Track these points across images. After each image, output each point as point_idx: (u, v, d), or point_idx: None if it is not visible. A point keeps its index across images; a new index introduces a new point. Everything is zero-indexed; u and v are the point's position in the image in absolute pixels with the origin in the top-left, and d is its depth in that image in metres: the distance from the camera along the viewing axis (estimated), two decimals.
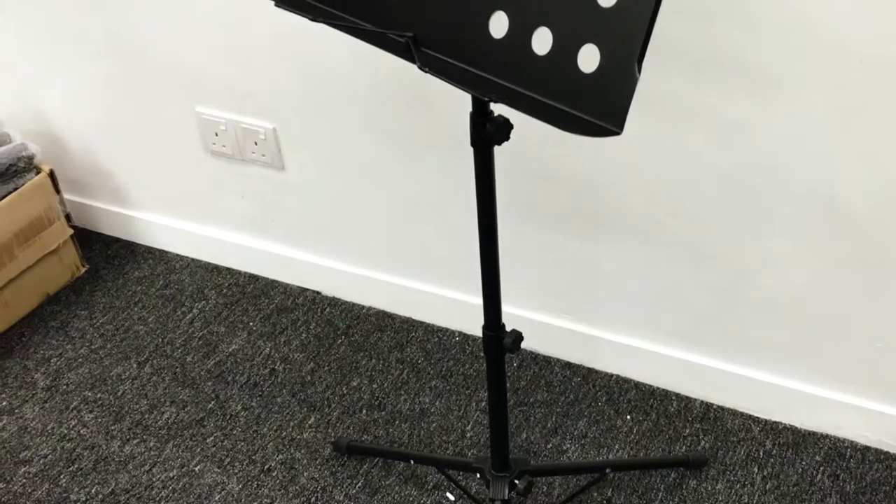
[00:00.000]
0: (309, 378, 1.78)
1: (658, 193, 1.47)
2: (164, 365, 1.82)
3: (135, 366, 1.83)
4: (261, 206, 1.90)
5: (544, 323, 1.74)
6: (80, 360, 1.85)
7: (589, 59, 0.76)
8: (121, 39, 1.75)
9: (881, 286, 1.41)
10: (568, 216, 1.57)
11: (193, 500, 1.56)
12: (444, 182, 1.64)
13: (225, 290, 1.99)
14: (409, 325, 1.88)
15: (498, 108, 0.94)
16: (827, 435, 1.61)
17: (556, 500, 1.53)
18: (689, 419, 1.65)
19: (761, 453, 1.59)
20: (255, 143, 1.78)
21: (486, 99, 0.88)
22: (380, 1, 0.91)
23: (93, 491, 1.59)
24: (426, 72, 0.86)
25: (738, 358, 1.62)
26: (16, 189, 1.85)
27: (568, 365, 1.77)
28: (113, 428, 1.70)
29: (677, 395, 1.70)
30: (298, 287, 1.98)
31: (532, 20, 0.79)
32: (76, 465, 1.63)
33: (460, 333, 1.85)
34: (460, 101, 1.01)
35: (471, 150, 1.03)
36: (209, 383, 1.78)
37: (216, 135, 1.80)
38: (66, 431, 1.70)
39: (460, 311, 1.81)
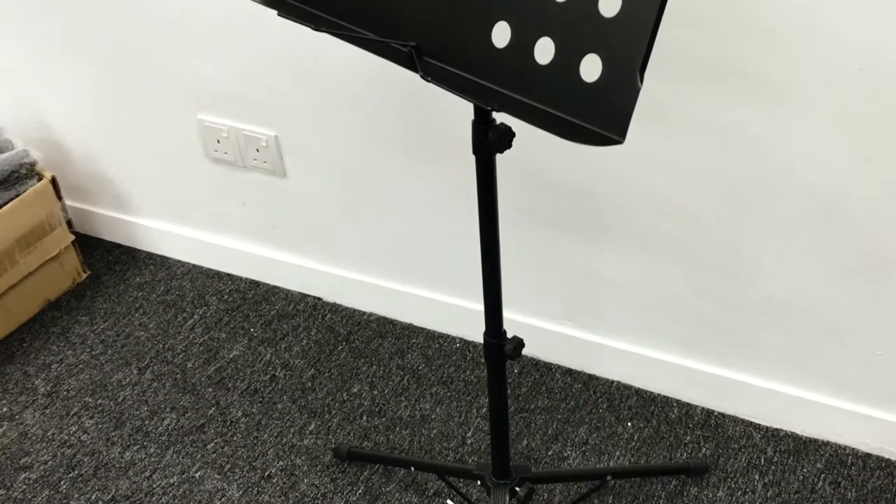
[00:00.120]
0: (309, 384, 1.78)
1: (659, 200, 1.47)
2: (164, 371, 1.82)
3: (135, 372, 1.83)
4: (262, 212, 1.90)
5: (545, 329, 1.74)
6: (80, 365, 1.85)
7: (591, 68, 0.76)
8: (123, 46, 1.75)
9: (882, 293, 1.41)
10: (569, 223, 1.57)
11: None
12: (446, 189, 1.64)
13: (226, 297, 1.99)
14: (410, 331, 1.88)
15: (500, 117, 0.94)
16: (828, 442, 1.61)
17: None
18: (690, 426, 1.65)
19: (762, 460, 1.59)
20: (257, 151, 1.78)
21: (489, 108, 0.89)
22: (382, 11, 0.91)
23: (93, 497, 1.59)
24: (429, 81, 0.86)
25: (739, 365, 1.62)
26: (17, 195, 1.86)
27: (569, 371, 1.77)
28: (113, 434, 1.70)
29: (678, 401, 1.70)
30: (299, 293, 1.98)
31: (534, 30, 0.79)
32: (76, 472, 1.63)
33: (461, 340, 1.85)
34: (462, 109, 1.01)
35: (472, 157, 1.04)
36: (210, 389, 1.78)
37: (218, 142, 1.81)
38: (66, 437, 1.70)
39: (461, 318, 1.81)
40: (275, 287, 2.00)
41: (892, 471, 1.56)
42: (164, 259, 2.10)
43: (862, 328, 1.47)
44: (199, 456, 1.65)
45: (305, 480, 1.60)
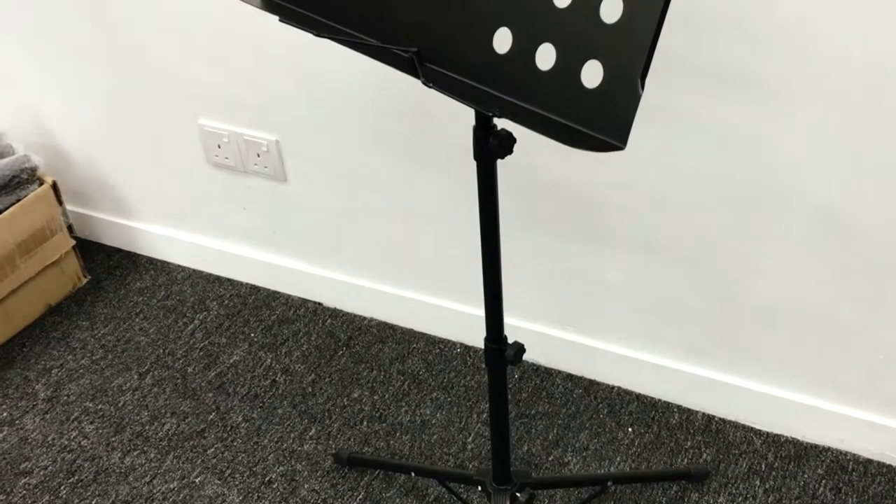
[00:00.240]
0: (310, 389, 1.78)
1: (660, 205, 1.47)
2: (164, 376, 1.82)
3: (136, 377, 1.83)
4: (263, 217, 1.91)
5: (546, 334, 1.74)
6: (81, 370, 1.85)
7: (592, 74, 0.76)
8: (124, 51, 1.76)
9: (883, 298, 1.41)
10: (570, 228, 1.57)
11: None
12: (446, 194, 1.64)
13: (226, 302, 1.99)
14: (411, 336, 1.88)
15: (501, 122, 0.94)
16: (829, 448, 1.61)
17: None
18: (691, 431, 1.65)
19: (763, 466, 1.58)
20: (258, 155, 1.78)
21: (490, 114, 0.89)
22: (384, 16, 0.91)
23: (93, 502, 1.58)
24: (430, 87, 0.86)
25: (740, 370, 1.62)
26: (18, 200, 1.86)
27: (569, 377, 1.77)
28: (113, 439, 1.70)
29: (679, 407, 1.70)
30: (300, 298, 1.98)
31: (536, 36, 0.79)
32: (76, 477, 1.63)
33: (461, 345, 1.85)
34: (463, 115, 1.02)
35: (473, 162, 1.04)
36: (210, 394, 1.78)
37: (219, 147, 1.81)
38: (66, 443, 1.69)
39: (462, 323, 1.81)
40: (275, 292, 2.00)
41: (893, 476, 1.56)
42: (164, 264, 2.10)
43: (863, 333, 1.47)
44: (199, 461, 1.65)
45: (306, 486, 1.60)
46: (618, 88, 0.75)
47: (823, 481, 1.55)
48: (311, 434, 1.69)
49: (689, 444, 1.63)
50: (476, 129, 1.00)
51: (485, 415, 1.70)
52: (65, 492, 1.61)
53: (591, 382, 1.75)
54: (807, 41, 1.20)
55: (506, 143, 0.99)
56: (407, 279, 1.83)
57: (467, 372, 1.79)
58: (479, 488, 1.44)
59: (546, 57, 0.79)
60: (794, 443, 1.62)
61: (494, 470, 1.37)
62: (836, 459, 1.59)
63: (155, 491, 1.60)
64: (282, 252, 1.95)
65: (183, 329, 1.93)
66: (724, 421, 1.66)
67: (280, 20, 0.98)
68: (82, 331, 1.94)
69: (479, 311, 1.21)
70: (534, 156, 1.46)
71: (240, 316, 1.95)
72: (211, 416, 1.73)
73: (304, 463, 1.63)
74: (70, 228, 2.02)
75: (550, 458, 1.62)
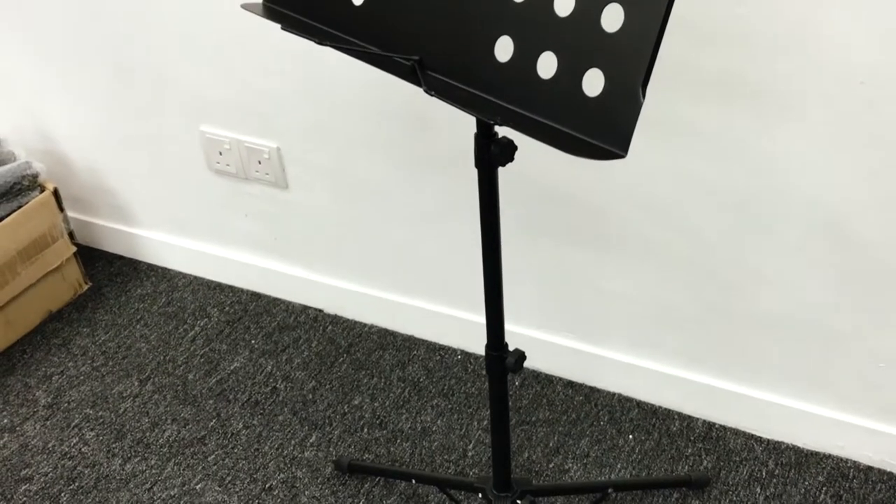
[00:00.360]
0: (310, 396, 1.78)
1: (661, 212, 1.47)
2: (165, 383, 1.82)
3: (136, 383, 1.83)
4: (264, 224, 1.91)
5: (547, 341, 1.74)
6: (81, 377, 1.85)
7: (594, 82, 0.77)
8: (125, 58, 1.76)
9: (883, 305, 1.41)
10: (571, 235, 1.58)
11: None
12: (448, 201, 1.65)
13: (227, 308, 1.99)
14: (411, 343, 1.88)
15: (502, 130, 0.95)
16: (829, 455, 1.61)
17: None
18: (692, 439, 1.65)
19: (764, 473, 1.58)
20: (259, 162, 1.78)
21: (491, 122, 0.89)
22: (386, 25, 0.92)
23: None
24: (432, 95, 0.86)
25: (741, 377, 1.62)
26: (20, 207, 1.86)
27: (570, 384, 1.77)
28: (114, 446, 1.70)
29: (679, 414, 1.69)
30: (300, 305, 1.98)
31: (537, 45, 0.80)
32: (77, 484, 1.63)
33: (462, 352, 1.85)
34: (464, 122, 1.02)
35: (474, 170, 1.04)
36: (211, 401, 1.78)
37: (220, 154, 1.81)
38: (67, 449, 1.69)
39: (462, 330, 1.81)
40: (276, 299, 2.00)
41: (894, 483, 1.55)
42: (165, 271, 2.10)
43: (863, 340, 1.47)
44: (199, 468, 1.65)
45: (306, 493, 1.59)
46: (619, 97, 0.75)
47: (824, 488, 1.55)
48: (311, 441, 1.69)
49: (689, 451, 1.63)
50: (477, 137, 1.00)
51: (485, 422, 1.70)
52: (65, 499, 1.61)
53: (592, 389, 1.75)
54: (807, 48, 1.20)
55: (507, 151, 1.00)
56: (408, 286, 1.83)
57: (468, 379, 1.79)
58: (480, 495, 1.44)
59: (547, 65, 0.80)
60: (795, 450, 1.62)
61: (495, 477, 1.37)
62: (837, 466, 1.59)
63: (155, 498, 1.60)
64: (283, 259, 1.95)
65: (184, 336, 1.93)
66: (724, 428, 1.66)
67: (283, 28, 0.99)
68: (83, 337, 1.94)
69: (480, 318, 1.22)
70: (535, 163, 1.46)
71: (240, 323, 1.95)
72: (211, 423, 1.73)
73: (304, 470, 1.63)
74: (71, 235, 2.02)
75: (551, 466, 1.62)
